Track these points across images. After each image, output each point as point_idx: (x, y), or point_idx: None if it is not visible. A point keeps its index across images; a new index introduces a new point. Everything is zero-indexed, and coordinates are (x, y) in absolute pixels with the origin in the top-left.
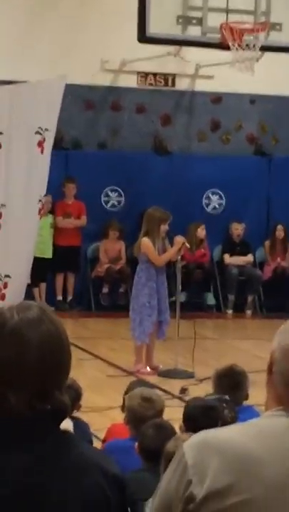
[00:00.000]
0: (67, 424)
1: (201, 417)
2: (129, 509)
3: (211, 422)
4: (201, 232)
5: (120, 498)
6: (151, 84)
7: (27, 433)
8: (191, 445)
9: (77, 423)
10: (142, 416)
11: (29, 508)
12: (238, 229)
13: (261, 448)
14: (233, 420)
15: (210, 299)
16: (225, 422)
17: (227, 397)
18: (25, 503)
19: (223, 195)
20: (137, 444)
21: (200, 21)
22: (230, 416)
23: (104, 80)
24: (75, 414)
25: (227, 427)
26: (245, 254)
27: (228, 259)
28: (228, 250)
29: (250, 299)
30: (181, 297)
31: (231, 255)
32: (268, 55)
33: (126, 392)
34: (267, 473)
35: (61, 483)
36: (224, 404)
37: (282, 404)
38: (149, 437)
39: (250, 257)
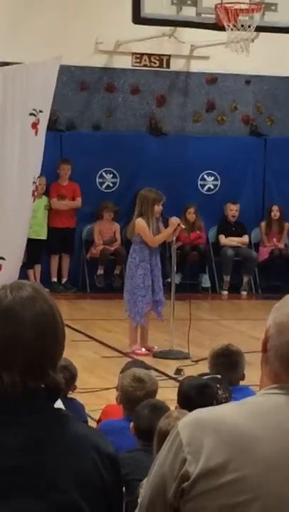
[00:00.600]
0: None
1: (195, 395)
2: (123, 489)
3: (206, 400)
4: (189, 215)
5: (115, 477)
6: (146, 66)
7: (21, 410)
8: (185, 424)
9: (73, 404)
10: (132, 396)
11: (23, 484)
12: (232, 210)
13: (256, 426)
14: (227, 400)
15: (205, 281)
16: (219, 402)
17: (220, 376)
18: (19, 479)
19: (218, 176)
20: (132, 424)
21: (195, 2)
22: (224, 396)
23: (99, 61)
24: (71, 395)
25: (222, 405)
26: (240, 235)
27: (223, 240)
28: (223, 231)
29: (245, 279)
30: (177, 278)
31: (227, 236)
32: (263, 35)
33: (121, 372)
34: (262, 450)
35: (55, 461)
36: (218, 385)
37: (278, 382)
38: (145, 418)
39: (245, 238)
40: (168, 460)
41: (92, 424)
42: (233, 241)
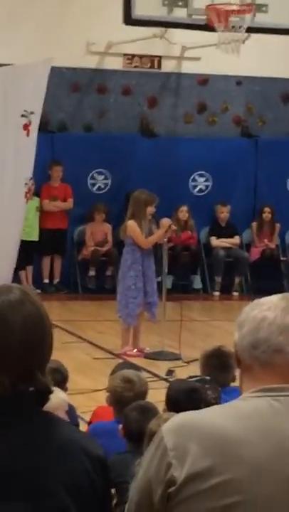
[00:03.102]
0: (63, 396)
1: (183, 399)
2: (113, 491)
3: (194, 405)
4: (181, 214)
5: (104, 480)
6: (137, 67)
7: (10, 414)
8: (169, 428)
9: None
10: (121, 397)
11: (12, 487)
12: (223, 212)
13: (241, 429)
14: (216, 401)
15: (197, 282)
16: (208, 403)
17: (209, 378)
18: (8, 483)
19: (209, 177)
20: (121, 426)
21: (186, 3)
22: (213, 397)
23: (90, 63)
24: None
25: (206, 409)
26: (231, 236)
27: (214, 241)
28: (214, 233)
29: (237, 280)
30: (168, 280)
31: (218, 237)
32: (254, 36)
33: (112, 374)
34: (247, 453)
35: (45, 465)
36: (206, 385)
37: (256, 386)
38: (133, 420)
39: (236, 239)
40: (153, 465)
41: (84, 425)
42: (224, 242)
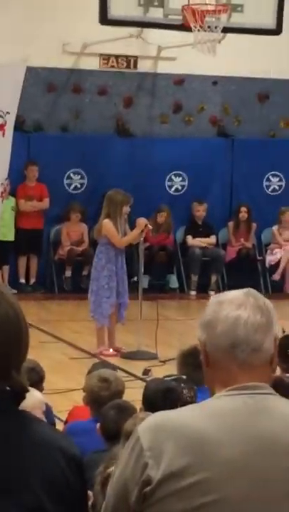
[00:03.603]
0: (39, 396)
1: (160, 399)
2: (90, 494)
3: (170, 404)
4: (161, 218)
5: (79, 479)
6: (113, 67)
7: None
8: (145, 428)
9: None
10: (98, 396)
11: None
12: (199, 210)
13: (215, 428)
14: (192, 399)
15: (173, 281)
16: (184, 402)
17: (185, 377)
18: None
19: (186, 176)
20: (98, 425)
21: (162, 3)
22: (189, 395)
23: (66, 63)
24: None
25: (181, 408)
26: (208, 235)
27: (190, 241)
28: (191, 231)
29: (213, 279)
30: (144, 279)
31: (194, 237)
32: (230, 36)
33: (88, 373)
34: (222, 452)
35: (20, 464)
36: (183, 385)
37: (230, 385)
38: (110, 418)
39: (212, 239)
40: (129, 466)
41: (60, 425)
42: (201, 242)
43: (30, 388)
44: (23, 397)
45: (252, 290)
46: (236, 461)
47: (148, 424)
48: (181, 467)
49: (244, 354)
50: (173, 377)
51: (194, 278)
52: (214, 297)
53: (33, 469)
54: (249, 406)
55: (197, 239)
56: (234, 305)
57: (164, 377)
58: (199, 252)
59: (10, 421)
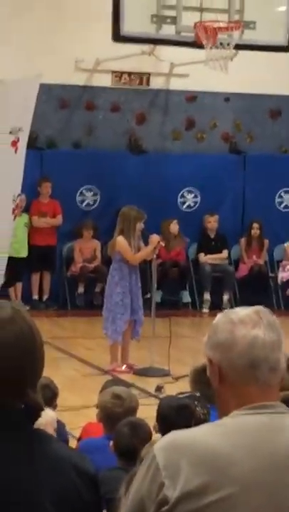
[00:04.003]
0: (51, 414)
1: (174, 416)
2: (103, 508)
3: (184, 421)
4: (174, 227)
5: (94, 497)
6: (125, 84)
7: (1, 430)
8: (161, 447)
9: None
10: (111, 413)
11: (1, 504)
12: (210, 221)
13: (231, 446)
14: (205, 417)
15: (185, 297)
16: (198, 420)
17: (198, 394)
18: None
19: (198, 193)
20: (112, 442)
21: (174, 20)
22: (202, 413)
23: (79, 80)
24: None
25: (196, 427)
26: (220, 250)
27: (202, 258)
28: (204, 247)
29: (226, 297)
30: (157, 296)
31: (207, 252)
32: (242, 53)
33: (101, 390)
34: (239, 470)
35: (35, 482)
36: (196, 402)
37: (246, 404)
38: (124, 436)
39: (225, 253)
40: (145, 485)
41: (73, 442)
42: (212, 258)
43: None
44: (38, 416)
45: (261, 307)
46: (253, 477)
47: (164, 443)
48: (197, 486)
49: (264, 374)
50: (186, 395)
51: (207, 296)
52: (222, 315)
53: (46, 486)
54: (268, 425)
55: (209, 256)
56: (249, 325)
57: (178, 394)
58: (209, 268)
59: (23, 439)
